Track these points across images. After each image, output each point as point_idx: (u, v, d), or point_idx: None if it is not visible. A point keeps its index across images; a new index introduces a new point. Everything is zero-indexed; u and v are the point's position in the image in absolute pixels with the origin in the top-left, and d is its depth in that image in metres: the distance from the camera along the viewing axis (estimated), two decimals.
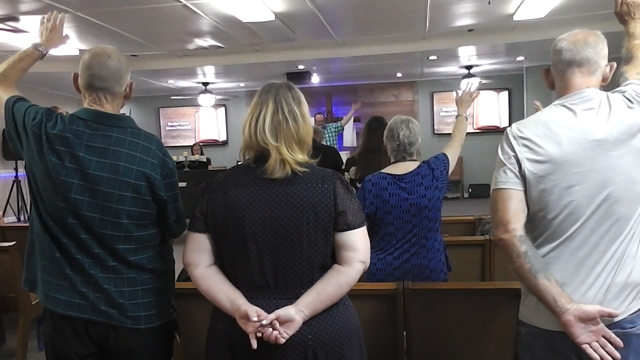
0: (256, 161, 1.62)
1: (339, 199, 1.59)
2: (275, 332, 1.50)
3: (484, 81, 10.27)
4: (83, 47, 6.59)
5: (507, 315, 2.18)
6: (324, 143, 7.23)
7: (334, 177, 1.62)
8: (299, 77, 9.43)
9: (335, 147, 7.95)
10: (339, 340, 1.59)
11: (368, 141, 3.59)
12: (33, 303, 3.51)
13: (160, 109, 12.34)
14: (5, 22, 5.54)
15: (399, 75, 10.90)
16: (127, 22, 5.97)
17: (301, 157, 1.61)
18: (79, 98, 1.89)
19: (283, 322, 1.52)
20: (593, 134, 1.55)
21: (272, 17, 5.78)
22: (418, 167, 2.64)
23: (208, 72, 9.48)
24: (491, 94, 11.27)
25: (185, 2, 5.25)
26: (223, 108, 12.18)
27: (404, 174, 2.62)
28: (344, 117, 9.50)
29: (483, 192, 10.16)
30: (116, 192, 1.75)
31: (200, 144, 10.99)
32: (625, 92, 1.64)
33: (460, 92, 3.04)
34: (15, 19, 5.52)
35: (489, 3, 5.77)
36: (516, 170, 1.59)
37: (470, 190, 11.31)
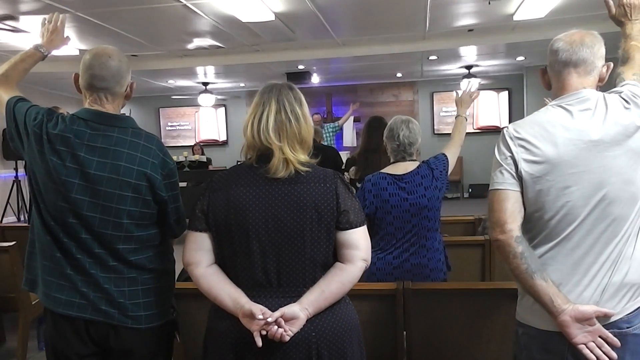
0: (259, 161, 1.63)
1: (340, 198, 1.62)
2: (281, 330, 1.51)
3: (483, 81, 10.27)
4: (83, 47, 6.60)
5: (506, 315, 2.18)
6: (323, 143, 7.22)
7: (335, 177, 1.65)
8: (299, 77, 9.43)
9: (333, 147, 7.94)
10: (341, 337, 1.61)
11: (368, 141, 3.59)
12: (33, 303, 3.51)
13: (160, 109, 12.34)
14: (4, 21, 5.54)
15: (399, 75, 10.91)
16: (127, 22, 5.97)
17: (303, 157, 1.63)
18: (79, 98, 1.89)
19: (288, 319, 1.53)
20: (589, 135, 1.55)
21: (272, 17, 5.79)
22: (418, 167, 2.64)
23: (208, 72, 9.48)
24: (491, 94, 11.28)
25: (185, 2, 5.25)
26: (223, 108, 12.19)
27: (404, 174, 2.62)
28: (342, 117, 9.50)
29: (483, 192, 10.14)
30: (117, 192, 1.75)
31: (201, 144, 10.99)
32: (621, 92, 1.64)
33: (460, 93, 3.04)
34: (15, 19, 5.52)
35: (489, 3, 5.77)
36: (513, 171, 1.59)
37: (470, 190, 11.31)
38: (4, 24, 5.63)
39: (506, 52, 8.68)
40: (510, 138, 1.62)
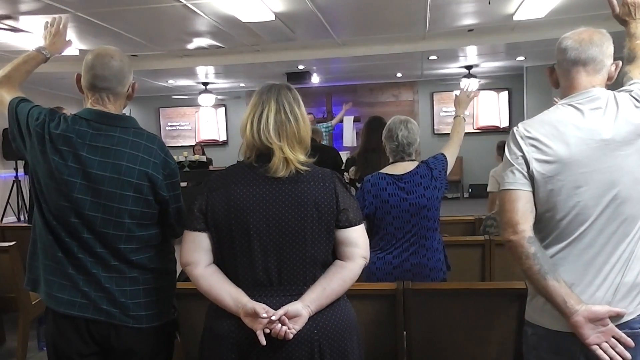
0: (258, 160, 1.64)
1: (340, 196, 1.63)
2: (285, 328, 1.52)
3: (483, 81, 10.28)
4: (83, 47, 6.60)
5: (507, 316, 2.19)
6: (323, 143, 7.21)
7: (333, 176, 1.67)
8: (299, 77, 9.42)
9: (333, 147, 7.93)
10: (342, 334, 1.62)
11: (368, 141, 3.59)
12: (33, 303, 3.51)
13: (160, 109, 12.35)
14: (3, 21, 5.54)
15: (399, 75, 10.91)
16: (127, 22, 5.97)
17: (302, 156, 1.64)
18: (79, 98, 1.90)
19: (291, 317, 1.54)
20: (601, 134, 1.54)
21: (272, 17, 5.79)
22: (417, 167, 2.65)
23: (208, 72, 9.48)
24: (491, 94, 11.28)
25: (185, 2, 5.25)
26: (223, 108, 12.19)
27: (403, 174, 2.63)
28: (335, 118, 9.43)
29: (483, 192, 10.11)
30: (118, 191, 1.75)
31: (201, 144, 10.99)
32: (632, 91, 1.64)
33: (458, 93, 3.05)
34: (14, 19, 5.52)
35: (489, 3, 5.77)
36: (524, 171, 1.58)
37: (470, 190, 11.31)
38: (3, 24, 5.63)
39: (506, 52, 8.68)
40: (521, 137, 1.61)
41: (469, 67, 9.82)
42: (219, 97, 11.06)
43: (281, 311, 1.53)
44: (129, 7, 5.34)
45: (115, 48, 1.87)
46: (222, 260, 1.64)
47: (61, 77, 7.89)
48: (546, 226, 1.60)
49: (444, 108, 11.62)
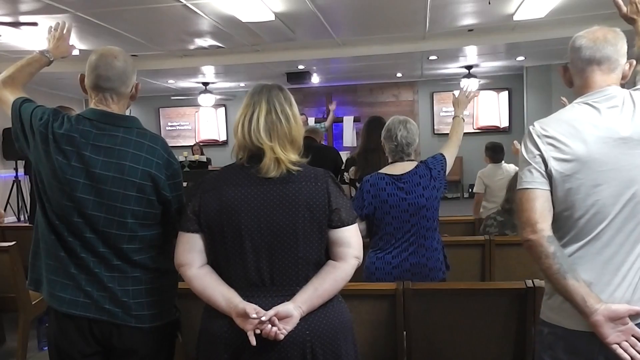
0: (250, 161, 1.64)
1: (332, 196, 1.63)
2: (275, 329, 1.52)
3: (483, 81, 10.27)
4: (83, 47, 6.60)
5: (506, 315, 2.19)
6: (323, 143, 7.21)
7: (326, 176, 1.66)
8: (299, 77, 9.41)
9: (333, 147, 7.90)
10: (335, 335, 1.62)
11: (367, 141, 3.59)
12: (33, 303, 3.51)
13: (160, 109, 12.33)
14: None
15: (399, 75, 10.91)
16: (127, 22, 5.97)
17: (294, 156, 1.65)
18: (79, 98, 1.91)
19: (282, 318, 1.53)
20: (619, 132, 1.54)
21: (272, 17, 5.79)
22: (416, 167, 2.65)
23: (208, 72, 9.48)
24: (491, 94, 11.28)
25: (185, 2, 5.25)
26: (223, 108, 12.18)
27: (402, 174, 2.63)
28: (327, 120, 9.34)
29: None
30: (121, 191, 1.76)
31: (201, 144, 10.99)
32: None
33: (457, 94, 3.05)
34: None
35: (489, 3, 5.78)
36: (542, 170, 1.57)
37: (470, 190, 11.30)
38: (3, 22, 5.63)
39: (506, 52, 8.69)
40: (538, 136, 1.60)
41: (469, 67, 9.82)
42: (219, 97, 11.05)
43: (272, 312, 1.53)
44: (129, 7, 5.34)
45: (119, 49, 1.87)
46: (216, 261, 1.65)
47: (61, 77, 7.89)
48: (564, 225, 1.59)
49: (444, 108, 11.61)
